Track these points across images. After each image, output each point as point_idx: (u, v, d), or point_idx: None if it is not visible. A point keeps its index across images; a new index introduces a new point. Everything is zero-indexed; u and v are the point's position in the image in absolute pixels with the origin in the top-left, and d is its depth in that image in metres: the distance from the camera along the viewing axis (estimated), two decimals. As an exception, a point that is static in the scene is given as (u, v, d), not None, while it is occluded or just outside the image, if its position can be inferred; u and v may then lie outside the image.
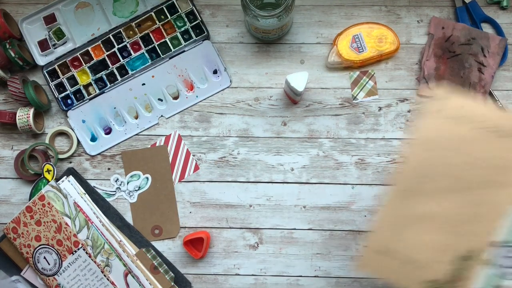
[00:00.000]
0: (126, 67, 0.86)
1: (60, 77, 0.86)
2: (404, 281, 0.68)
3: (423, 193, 0.68)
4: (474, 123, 0.66)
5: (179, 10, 0.85)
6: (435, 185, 0.67)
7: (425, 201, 0.68)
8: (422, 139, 0.67)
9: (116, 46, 0.86)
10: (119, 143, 0.86)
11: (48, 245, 0.81)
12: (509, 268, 0.65)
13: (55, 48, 0.85)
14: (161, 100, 0.86)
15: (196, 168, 0.85)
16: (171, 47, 0.85)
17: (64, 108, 0.86)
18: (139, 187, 0.85)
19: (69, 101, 0.86)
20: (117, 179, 0.85)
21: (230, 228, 0.85)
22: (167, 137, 0.86)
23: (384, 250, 0.68)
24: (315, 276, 0.84)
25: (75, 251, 0.81)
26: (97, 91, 0.86)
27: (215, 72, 0.86)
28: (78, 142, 0.86)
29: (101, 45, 0.86)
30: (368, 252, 0.69)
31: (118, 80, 0.86)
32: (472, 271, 0.67)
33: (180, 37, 0.86)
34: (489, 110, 0.66)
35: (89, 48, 0.86)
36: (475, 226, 0.67)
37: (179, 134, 0.86)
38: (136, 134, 0.86)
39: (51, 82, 0.85)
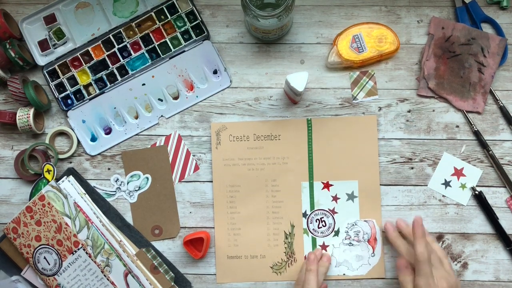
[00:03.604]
0: (126, 67, 0.86)
1: (60, 77, 0.86)
2: (257, 275, 0.83)
3: (237, 200, 0.84)
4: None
5: (179, 10, 0.85)
6: (242, 190, 0.83)
7: (242, 206, 0.83)
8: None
9: (116, 46, 0.86)
10: (119, 143, 0.86)
11: (48, 245, 0.81)
12: (317, 229, 0.83)
13: (55, 48, 0.85)
14: (161, 100, 0.86)
15: (196, 168, 0.85)
16: (171, 47, 0.85)
17: (64, 108, 0.86)
18: (139, 187, 0.85)
19: (69, 101, 0.86)
20: (117, 179, 0.85)
21: (230, 228, 0.86)
22: (167, 137, 0.86)
23: (232, 255, 0.83)
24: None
25: (75, 251, 0.81)
26: (97, 91, 0.86)
27: (215, 72, 0.86)
28: (78, 142, 0.86)
29: (101, 45, 0.86)
30: (221, 263, 0.83)
31: (118, 80, 0.86)
32: (299, 242, 0.83)
33: (180, 37, 0.86)
34: None
35: (89, 48, 0.86)
36: (288, 206, 0.83)
37: (179, 134, 0.86)
38: (136, 134, 0.86)
39: (51, 82, 0.85)
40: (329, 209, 0.84)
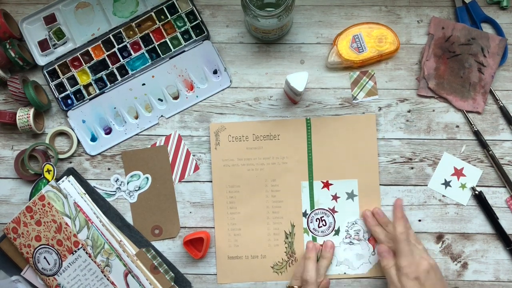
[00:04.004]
0: (126, 67, 0.86)
1: (60, 77, 0.86)
2: (258, 275, 0.83)
3: (237, 200, 0.83)
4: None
5: (179, 10, 0.85)
6: (242, 191, 0.83)
7: (242, 206, 0.83)
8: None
9: (116, 46, 0.86)
10: (119, 143, 0.86)
11: (48, 245, 0.81)
12: (317, 228, 0.83)
13: (55, 48, 0.85)
14: (161, 100, 0.86)
15: (196, 168, 0.85)
16: (171, 47, 0.85)
17: (64, 108, 0.86)
18: (139, 187, 0.85)
19: (69, 101, 0.86)
20: (117, 179, 0.85)
21: (230, 228, 0.86)
22: (167, 137, 0.86)
23: (232, 255, 0.83)
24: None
25: (75, 251, 0.81)
26: (97, 91, 0.86)
27: (215, 72, 0.86)
28: (78, 142, 0.86)
29: (101, 45, 0.86)
30: (222, 263, 0.83)
31: (118, 80, 0.86)
32: (299, 241, 0.83)
33: (180, 37, 0.86)
34: None
35: (89, 48, 0.86)
36: (288, 206, 0.83)
37: (179, 134, 0.86)
38: (136, 134, 0.86)
39: (51, 82, 0.85)
40: (329, 208, 0.84)
